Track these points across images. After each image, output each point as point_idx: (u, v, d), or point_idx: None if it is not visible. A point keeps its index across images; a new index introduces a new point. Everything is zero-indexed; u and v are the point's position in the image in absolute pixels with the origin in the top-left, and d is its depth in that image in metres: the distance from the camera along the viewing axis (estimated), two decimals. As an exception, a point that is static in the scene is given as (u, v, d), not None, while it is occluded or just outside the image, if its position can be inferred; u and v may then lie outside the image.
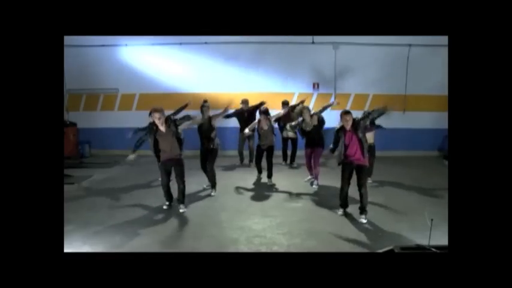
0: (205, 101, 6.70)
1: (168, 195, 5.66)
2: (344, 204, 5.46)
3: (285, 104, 8.31)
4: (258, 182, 7.21)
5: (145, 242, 4.51)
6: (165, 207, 5.68)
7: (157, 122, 5.20)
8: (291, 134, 8.19)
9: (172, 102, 9.77)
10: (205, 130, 6.30)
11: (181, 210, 5.55)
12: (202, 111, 6.43)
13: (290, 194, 6.51)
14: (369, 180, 6.59)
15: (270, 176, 7.09)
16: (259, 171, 7.35)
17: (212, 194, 6.41)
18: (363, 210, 5.21)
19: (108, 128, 9.96)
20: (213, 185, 6.46)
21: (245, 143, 8.73)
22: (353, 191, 5.39)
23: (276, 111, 8.27)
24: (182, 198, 5.61)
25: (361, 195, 5.19)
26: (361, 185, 5.17)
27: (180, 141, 5.44)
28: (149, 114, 5.53)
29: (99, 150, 10.01)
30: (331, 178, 7.14)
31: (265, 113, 7.08)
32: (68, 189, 6.51)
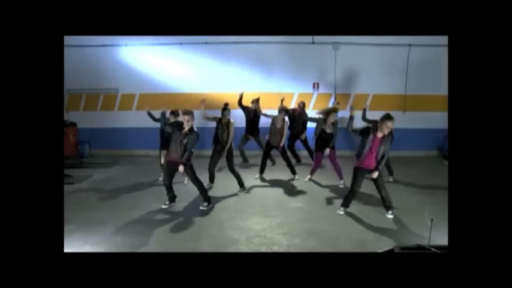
0: (226, 104, 6.75)
1: (170, 193, 5.73)
2: (348, 205, 5.51)
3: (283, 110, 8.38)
4: (258, 182, 7.21)
5: (145, 242, 4.51)
6: (164, 206, 5.69)
7: (185, 123, 5.37)
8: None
9: (172, 102, 9.79)
10: (222, 133, 6.47)
11: (201, 208, 5.67)
12: (223, 115, 6.55)
13: (290, 194, 6.51)
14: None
15: (293, 172, 7.48)
16: (262, 171, 7.42)
17: (241, 192, 6.55)
18: (388, 208, 5.35)
19: (108, 128, 9.96)
20: (241, 184, 6.60)
21: (246, 143, 8.78)
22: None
23: (273, 111, 8.31)
24: (203, 196, 5.73)
25: (383, 198, 5.32)
26: (380, 189, 5.28)
27: (189, 153, 5.45)
28: (170, 113, 6.29)
29: (99, 150, 10.01)
30: (331, 178, 7.16)
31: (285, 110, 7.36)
32: (68, 189, 6.51)
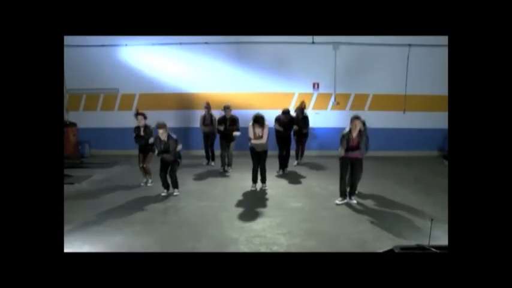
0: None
1: (165, 185, 6.45)
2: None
3: (285, 112, 8.03)
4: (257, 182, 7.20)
5: (145, 242, 4.51)
6: (163, 194, 6.42)
7: (160, 135, 6.21)
8: None
9: (173, 102, 9.84)
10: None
11: (175, 193, 6.46)
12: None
13: (290, 194, 6.51)
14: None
15: (264, 180, 6.93)
16: (255, 181, 6.97)
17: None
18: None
19: (108, 128, 9.97)
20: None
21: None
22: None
23: (273, 111, 8.29)
24: (174, 185, 6.52)
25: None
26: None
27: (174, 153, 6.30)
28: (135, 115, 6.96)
29: (99, 150, 10.02)
30: (331, 179, 7.14)
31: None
32: (68, 189, 6.51)
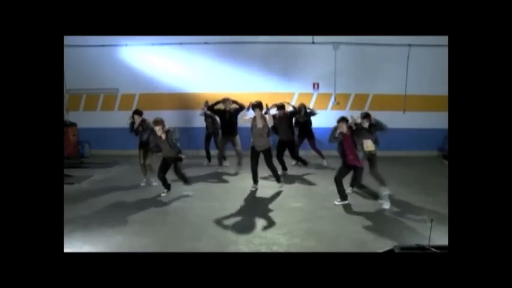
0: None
1: (165, 185, 6.41)
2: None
3: (280, 107, 7.71)
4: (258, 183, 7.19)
5: (145, 242, 4.51)
6: (163, 194, 6.37)
7: (158, 132, 6.12)
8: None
9: (173, 102, 9.84)
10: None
11: (186, 193, 6.40)
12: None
13: (290, 194, 6.51)
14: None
15: (278, 180, 6.83)
16: (255, 180, 6.76)
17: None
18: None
19: (108, 128, 9.96)
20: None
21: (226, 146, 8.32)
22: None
23: (273, 111, 8.26)
24: (185, 181, 6.54)
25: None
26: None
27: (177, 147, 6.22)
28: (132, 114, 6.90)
29: (99, 150, 10.02)
30: (331, 178, 7.14)
31: (259, 107, 6.43)
32: (68, 189, 6.51)
